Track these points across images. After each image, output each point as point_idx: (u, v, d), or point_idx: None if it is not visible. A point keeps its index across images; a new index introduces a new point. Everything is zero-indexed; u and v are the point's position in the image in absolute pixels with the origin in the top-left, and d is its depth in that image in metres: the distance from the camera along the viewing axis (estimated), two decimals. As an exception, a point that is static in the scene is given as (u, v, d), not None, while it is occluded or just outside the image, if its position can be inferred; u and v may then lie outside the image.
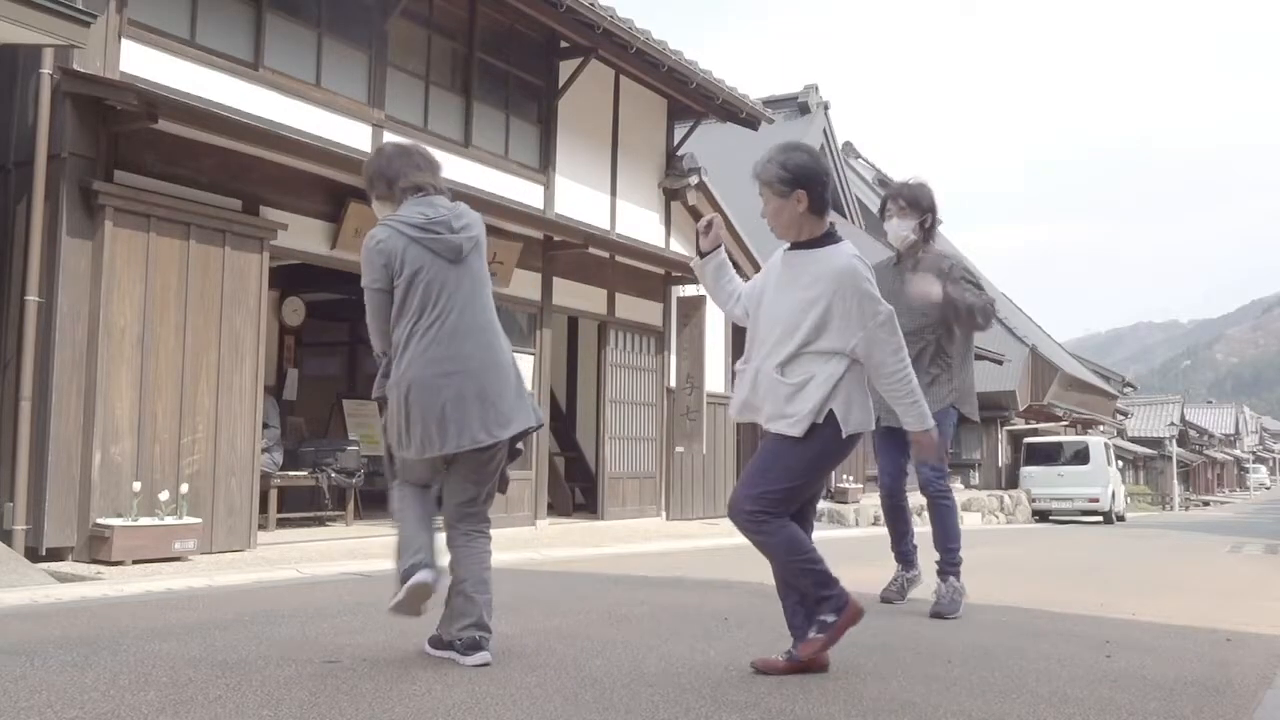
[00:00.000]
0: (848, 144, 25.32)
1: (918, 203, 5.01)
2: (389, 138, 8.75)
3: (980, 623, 4.63)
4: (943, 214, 5.08)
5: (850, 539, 10.93)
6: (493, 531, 3.49)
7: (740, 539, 3.45)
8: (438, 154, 3.67)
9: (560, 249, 10.78)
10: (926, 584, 5.09)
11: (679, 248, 12.97)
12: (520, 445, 3.54)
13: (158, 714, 2.63)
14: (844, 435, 3.26)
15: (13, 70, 6.84)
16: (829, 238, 3.37)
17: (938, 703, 3.00)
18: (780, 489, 3.25)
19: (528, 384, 3.66)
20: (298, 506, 9.47)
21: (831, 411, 3.23)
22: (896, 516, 5.23)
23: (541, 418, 3.55)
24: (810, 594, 3.27)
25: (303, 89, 8.27)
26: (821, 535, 3.30)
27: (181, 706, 2.70)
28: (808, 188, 3.30)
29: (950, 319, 4.84)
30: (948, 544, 4.91)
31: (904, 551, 5.20)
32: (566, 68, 10.86)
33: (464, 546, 3.41)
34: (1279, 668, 3.75)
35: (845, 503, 15.29)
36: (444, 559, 3.40)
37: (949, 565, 4.91)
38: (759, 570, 3.85)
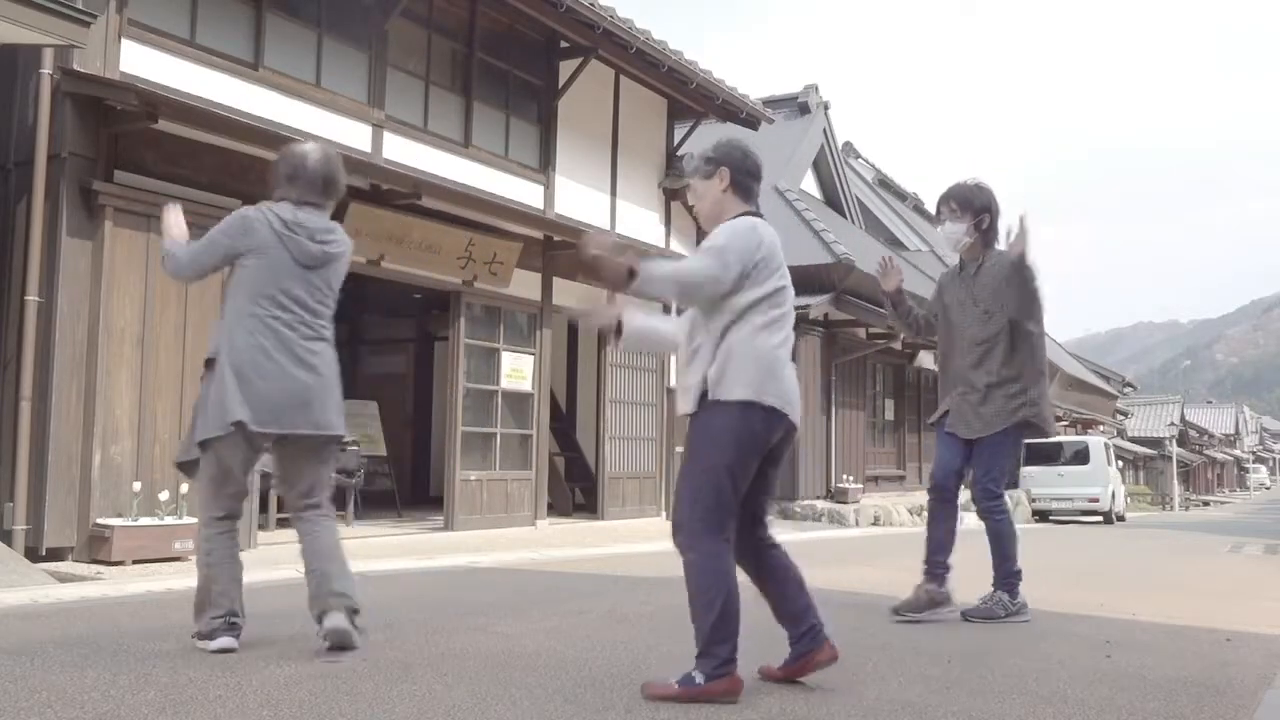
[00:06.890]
0: (848, 144, 25.29)
1: (969, 203, 4.84)
2: (389, 138, 8.77)
3: (980, 623, 4.62)
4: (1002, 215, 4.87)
5: (850, 539, 10.93)
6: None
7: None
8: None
9: (560, 249, 10.77)
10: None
11: (679, 248, 12.97)
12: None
13: (158, 714, 2.63)
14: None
15: (13, 70, 6.84)
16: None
17: (938, 703, 3.00)
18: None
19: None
20: (297, 507, 9.45)
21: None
22: (932, 516, 4.90)
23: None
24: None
25: (303, 89, 8.27)
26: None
27: (181, 706, 2.70)
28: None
29: (1017, 300, 4.66)
30: (997, 561, 4.76)
31: (932, 561, 4.75)
32: (566, 68, 10.86)
33: (307, 532, 3.78)
34: (1279, 668, 3.75)
35: (845, 503, 15.28)
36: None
37: (999, 579, 4.76)
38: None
